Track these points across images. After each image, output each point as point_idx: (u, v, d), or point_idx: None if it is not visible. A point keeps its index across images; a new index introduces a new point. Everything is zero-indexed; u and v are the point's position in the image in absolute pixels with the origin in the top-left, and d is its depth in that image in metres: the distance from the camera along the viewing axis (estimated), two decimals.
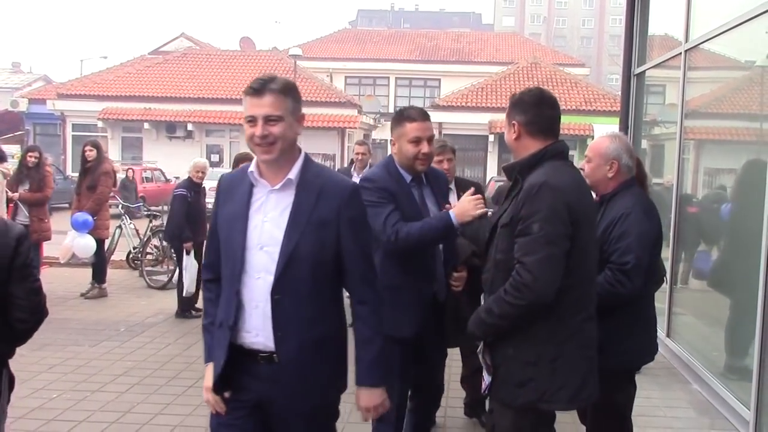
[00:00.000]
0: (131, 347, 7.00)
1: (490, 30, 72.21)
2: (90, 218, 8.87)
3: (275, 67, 33.16)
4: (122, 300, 9.18)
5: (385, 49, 44.45)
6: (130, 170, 22.67)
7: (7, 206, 8.75)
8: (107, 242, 9.81)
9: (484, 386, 3.02)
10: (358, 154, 8.45)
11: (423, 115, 3.66)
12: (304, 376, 2.61)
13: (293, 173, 2.62)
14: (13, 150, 21.88)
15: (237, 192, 2.69)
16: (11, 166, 10.21)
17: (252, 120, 2.55)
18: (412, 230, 3.46)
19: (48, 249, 9.88)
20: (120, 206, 11.60)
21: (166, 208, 10.83)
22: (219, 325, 2.68)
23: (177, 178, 23.86)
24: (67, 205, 15.03)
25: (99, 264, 9.34)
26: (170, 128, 31.46)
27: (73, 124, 32.80)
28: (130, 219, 11.37)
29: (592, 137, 26.55)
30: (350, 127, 32.32)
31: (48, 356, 6.55)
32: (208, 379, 2.71)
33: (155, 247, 10.75)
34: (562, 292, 2.70)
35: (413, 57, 43.56)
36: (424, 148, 3.58)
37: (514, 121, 2.94)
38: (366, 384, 2.69)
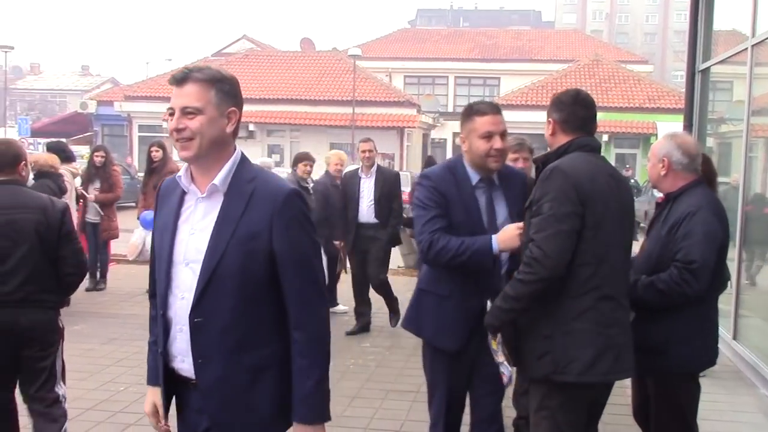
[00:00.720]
0: None
1: (551, 27, 71.34)
2: None
3: (335, 67, 33.46)
4: None
5: (445, 48, 44.34)
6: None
7: (77, 204, 9.05)
8: None
9: (504, 380, 3.18)
10: (363, 152, 7.74)
11: (494, 109, 3.39)
12: (232, 409, 2.32)
13: (218, 178, 2.30)
14: (82, 151, 22.58)
15: (170, 199, 2.41)
16: (80, 166, 10.55)
17: (172, 112, 2.29)
18: (449, 245, 3.22)
19: (116, 246, 10.18)
20: None
21: None
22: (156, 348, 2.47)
23: None
24: (133, 204, 15.44)
25: None
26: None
27: (139, 125, 33.69)
28: None
29: (656, 136, 26.06)
30: (409, 127, 32.36)
31: (115, 350, 6.75)
32: (147, 404, 2.51)
33: None
34: (574, 270, 2.85)
35: (473, 56, 43.36)
36: (497, 143, 3.28)
37: (550, 119, 3.12)
38: (297, 420, 2.33)
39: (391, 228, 7.71)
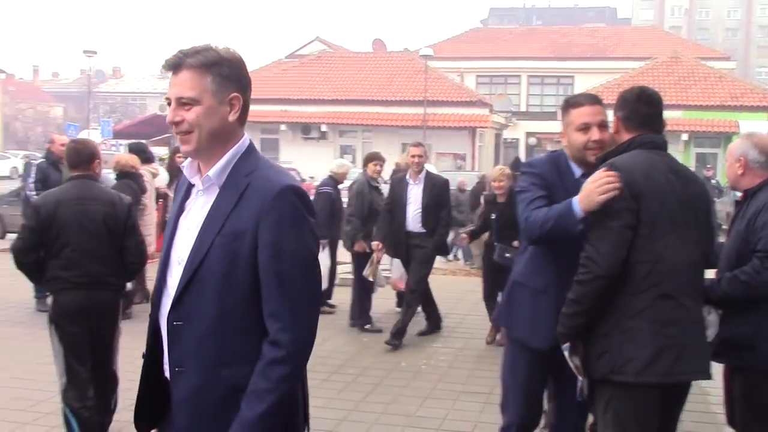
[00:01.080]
0: None
1: (627, 24, 69.78)
2: None
3: (406, 67, 33.51)
4: None
5: (517, 46, 43.85)
6: None
7: (157, 203, 9.32)
8: None
9: (578, 392, 3.09)
10: (413, 156, 7.35)
11: (591, 99, 3.31)
12: (201, 428, 2.06)
13: (213, 170, 2.08)
14: (161, 152, 23.21)
15: (181, 191, 2.25)
16: (158, 166, 10.87)
17: (170, 102, 2.07)
18: (539, 214, 3.12)
19: None
20: None
21: None
22: None
23: (312, 177, 24.59)
24: None
25: None
26: (305, 129, 32.44)
27: None
28: None
29: (738, 134, 25.17)
30: (481, 127, 32.15)
31: None
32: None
33: None
34: (631, 268, 2.79)
35: (546, 54, 42.75)
36: (594, 134, 3.19)
37: (615, 116, 3.10)
38: None
39: (438, 237, 7.31)
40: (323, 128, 31.98)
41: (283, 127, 32.44)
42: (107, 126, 31.71)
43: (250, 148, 2.14)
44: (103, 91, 61.98)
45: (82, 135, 29.79)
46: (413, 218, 7.30)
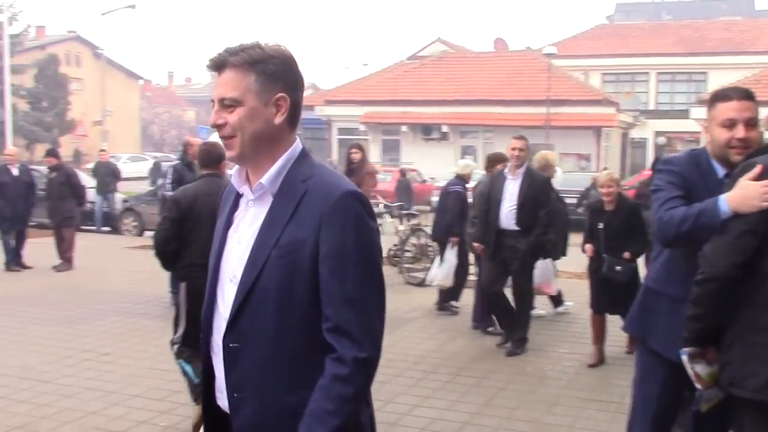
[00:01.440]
0: (391, 340, 7.30)
1: (766, 16, 65.82)
2: None
3: (528, 66, 32.95)
4: None
5: (645, 42, 42.20)
6: (400, 171, 23.26)
7: None
8: None
9: (694, 402, 2.91)
10: (514, 149, 6.79)
11: (742, 94, 3.01)
12: None
13: (267, 177, 1.92)
14: None
15: (228, 202, 2.08)
16: None
17: (213, 105, 1.95)
18: (676, 212, 2.90)
19: None
20: (381, 205, 12.18)
21: (423, 207, 11.11)
22: None
23: (432, 178, 24.57)
24: None
25: None
26: (426, 130, 32.51)
27: (338, 128, 35.11)
28: (390, 218, 11.91)
29: None
30: (607, 126, 31.20)
31: None
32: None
33: (413, 245, 11.14)
34: (760, 278, 2.59)
35: (676, 50, 40.93)
36: (740, 132, 2.93)
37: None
38: None
39: (534, 237, 6.76)
40: (444, 129, 31.93)
41: (404, 128, 32.64)
42: None
43: (304, 152, 1.99)
44: None
45: (213, 137, 31.06)
46: (507, 215, 6.82)
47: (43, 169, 13.14)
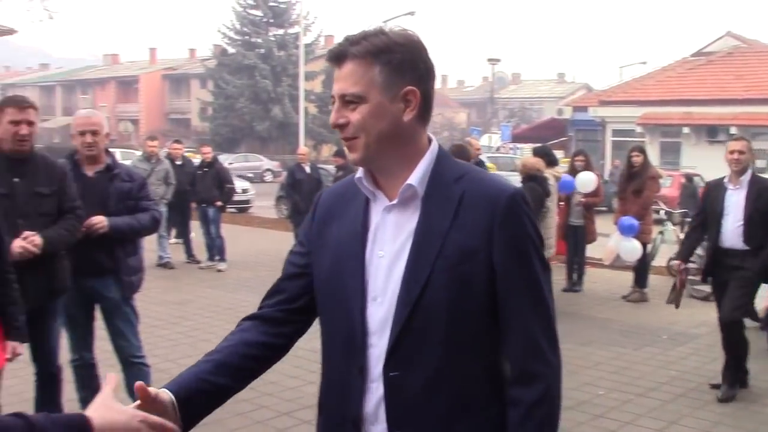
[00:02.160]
0: (674, 356, 6.85)
1: None
2: (636, 222, 8.97)
3: None
4: (662, 307, 8.96)
5: None
6: (685, 176, 21.96)
7: (557, 206, 9.37)
8: (649, 247, 9.81)
9: None
10: (732, 153, 5.74)
11: None
12: None
13: (415, 177, 1.69)
14: (558, 155, 23.51)
15: (349, 210, 1.79)
16: (561, 170, 10.94)
17: (334, 101, 1.71)
18: None
19: (591, 250, 10.31)
20: (662, 212, 11.51)
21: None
22: (326, 414, 1.84)
23: None
24: (605, 209, 15.53)
25: (641, 268, 9.41)
26: (711, 132, 30.18)
27: (612, 130, 33.82)
28: (672, 225, 11.19)
29: None
30: None
31: (593, 353, 6.80)
32: None
33: (698, 255, 10.34)
34: None
35: None
36: None
37: None
38: None
39: (766, 257, 5.60)
40: (732, 130, 29.35)
41: (685, 130, 30.58)
42: (507, 130, 33.06)
43: (442, 150, 1.76)
44: (503, 97, 64.85)
45: (483, 139, 31.52)
46: (732, 232, 5.73)
47: (331, 168, 14.14)
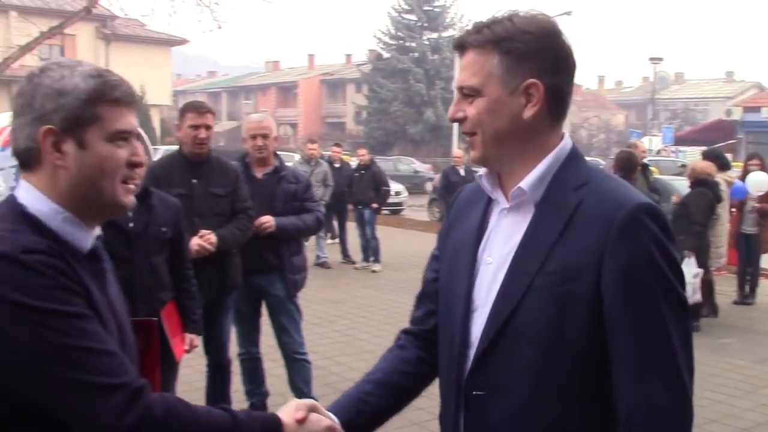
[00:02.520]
0: None
1: None
2: None
3: None
4: None
5: None
6: None
7: (730, 213, 8.80)
8: None
9: None
10: None
11: None
12: None
13: (528, 180, 1.51)
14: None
15: (473, 210, 1.66)
16: (734, 174, 10.28)
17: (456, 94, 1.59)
18: None
19: (766, 260, 9.60)
20: None
21: None
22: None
23: None
24: None
25: None
26: None
27: None
28: None
29: None
30: None
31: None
32: None
33: None
34: None
35: None
36: None
37: None
38: None
39: None
40: None
41: None
42: (669, 132, 31.58)
43: (574, 153, 1.56)
44: (664, 98, 62.00)
45: (644, 141, 30.26)
46: None
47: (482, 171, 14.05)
